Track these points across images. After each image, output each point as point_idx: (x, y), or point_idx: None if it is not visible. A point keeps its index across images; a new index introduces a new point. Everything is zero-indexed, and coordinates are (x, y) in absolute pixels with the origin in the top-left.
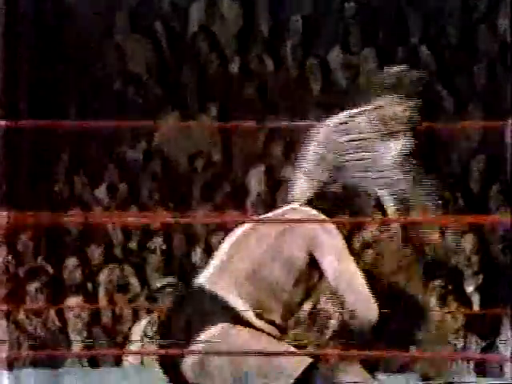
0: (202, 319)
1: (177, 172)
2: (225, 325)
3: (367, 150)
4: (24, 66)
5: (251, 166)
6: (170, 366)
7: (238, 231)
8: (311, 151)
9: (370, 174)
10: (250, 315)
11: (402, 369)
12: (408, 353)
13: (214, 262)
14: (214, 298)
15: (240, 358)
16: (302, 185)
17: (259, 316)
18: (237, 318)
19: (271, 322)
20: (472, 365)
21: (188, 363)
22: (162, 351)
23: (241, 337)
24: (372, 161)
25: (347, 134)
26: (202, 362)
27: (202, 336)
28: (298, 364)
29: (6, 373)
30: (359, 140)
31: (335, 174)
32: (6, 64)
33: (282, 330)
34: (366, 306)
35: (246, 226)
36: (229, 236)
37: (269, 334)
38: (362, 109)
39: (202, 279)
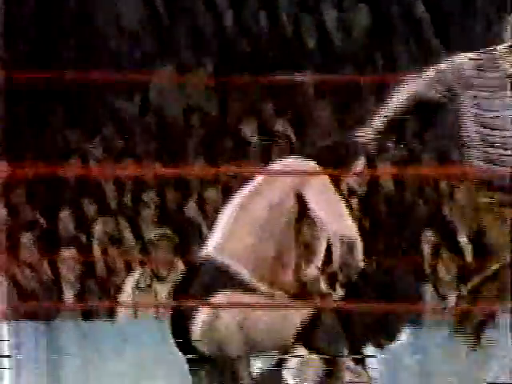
0: (211, 288)
1: (172, 125)
2: (233, 292)
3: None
4: (23, 22)
5: (245, 119)
6: (181, 334)
7: (239, 196)
8: (434, 68)
9: (487, 113)
10: (258, 284)
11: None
12: (409, 306)
13: (218, 232)
14: (222, 268)
15: (248, 318)
16: (404, 91)
17: (268, 284)
18: (246, 287)
19: (281, 288)
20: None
21: (197, 330)
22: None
23: (249, 300)
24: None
25: (477, 70)
26: (211, 326)
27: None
28: (302, 314)
29: (5, 324)
30: (488, 79)
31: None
32: (4, 18)
33: (293, 294)
34: (348, 231)
35: (246, 190)
36: (230, 202)
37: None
38: (497, 50)
39: (209, 249)
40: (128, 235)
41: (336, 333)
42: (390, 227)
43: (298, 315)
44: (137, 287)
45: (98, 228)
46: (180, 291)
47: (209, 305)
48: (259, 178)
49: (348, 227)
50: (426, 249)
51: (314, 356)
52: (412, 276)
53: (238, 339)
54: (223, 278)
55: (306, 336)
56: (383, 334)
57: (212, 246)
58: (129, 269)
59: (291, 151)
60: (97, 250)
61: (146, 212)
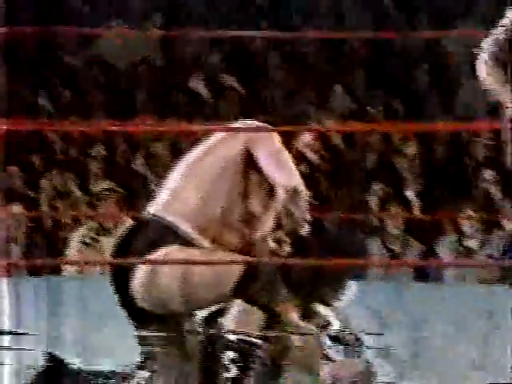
0: (154, 246)
1: (120, 79)
2: (175, 246)
3: None
4: None
5: (193, 73)
6: (121, 286)
7: (189, 155)
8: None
9: None
10: (202, 242)
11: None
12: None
13: (167, 190)
14: (167, 226)
15: (187, 274)
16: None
17: (214, 243)
18: (189, 244)
19: (226, 247)
20: (412, 270)
21: (137, 283)
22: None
23: (189, 254)
24: None
25: None
26: (150, 281)
27: (153, 255)
28: (239, 267)
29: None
30: None
31: None
32: None
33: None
34: (293, 182)
35: (197, 151)
36: (180, 162)
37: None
38: None
39: (154, 208)
40: (75, 189)
41: (274, 285)
42: (338, 180)
43: (236, 268)
44: (83, 242)
45: (45, 182)
46: (123, 247)
47: (150, 261)
48: (211, 138)
49: (294, 179)
50: (374, 202)
51: (253, 308)
52: (359, 230)
53: (178, 294)
54: (168, 236)
55: (244, 289)
56: (328, 290)
57: (160, 204)
58: (76, 223)
59: (240, 105)
60: (44, 205)
61: (93, 166)
